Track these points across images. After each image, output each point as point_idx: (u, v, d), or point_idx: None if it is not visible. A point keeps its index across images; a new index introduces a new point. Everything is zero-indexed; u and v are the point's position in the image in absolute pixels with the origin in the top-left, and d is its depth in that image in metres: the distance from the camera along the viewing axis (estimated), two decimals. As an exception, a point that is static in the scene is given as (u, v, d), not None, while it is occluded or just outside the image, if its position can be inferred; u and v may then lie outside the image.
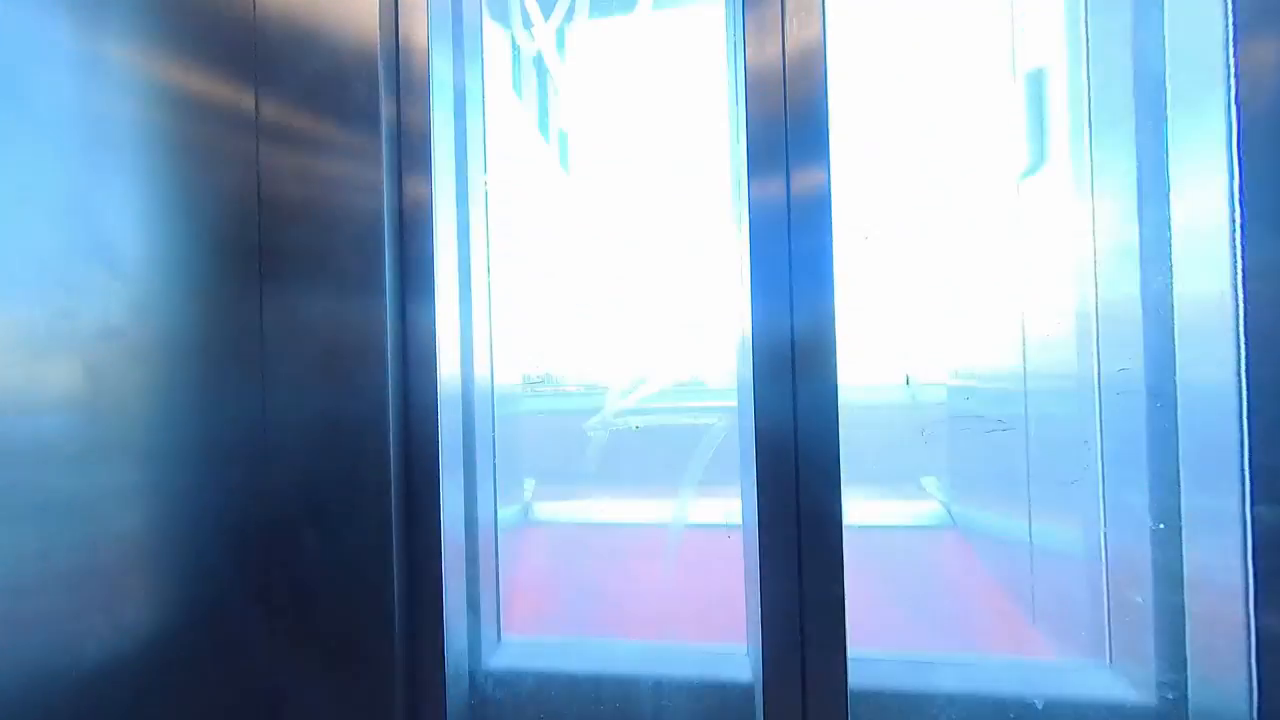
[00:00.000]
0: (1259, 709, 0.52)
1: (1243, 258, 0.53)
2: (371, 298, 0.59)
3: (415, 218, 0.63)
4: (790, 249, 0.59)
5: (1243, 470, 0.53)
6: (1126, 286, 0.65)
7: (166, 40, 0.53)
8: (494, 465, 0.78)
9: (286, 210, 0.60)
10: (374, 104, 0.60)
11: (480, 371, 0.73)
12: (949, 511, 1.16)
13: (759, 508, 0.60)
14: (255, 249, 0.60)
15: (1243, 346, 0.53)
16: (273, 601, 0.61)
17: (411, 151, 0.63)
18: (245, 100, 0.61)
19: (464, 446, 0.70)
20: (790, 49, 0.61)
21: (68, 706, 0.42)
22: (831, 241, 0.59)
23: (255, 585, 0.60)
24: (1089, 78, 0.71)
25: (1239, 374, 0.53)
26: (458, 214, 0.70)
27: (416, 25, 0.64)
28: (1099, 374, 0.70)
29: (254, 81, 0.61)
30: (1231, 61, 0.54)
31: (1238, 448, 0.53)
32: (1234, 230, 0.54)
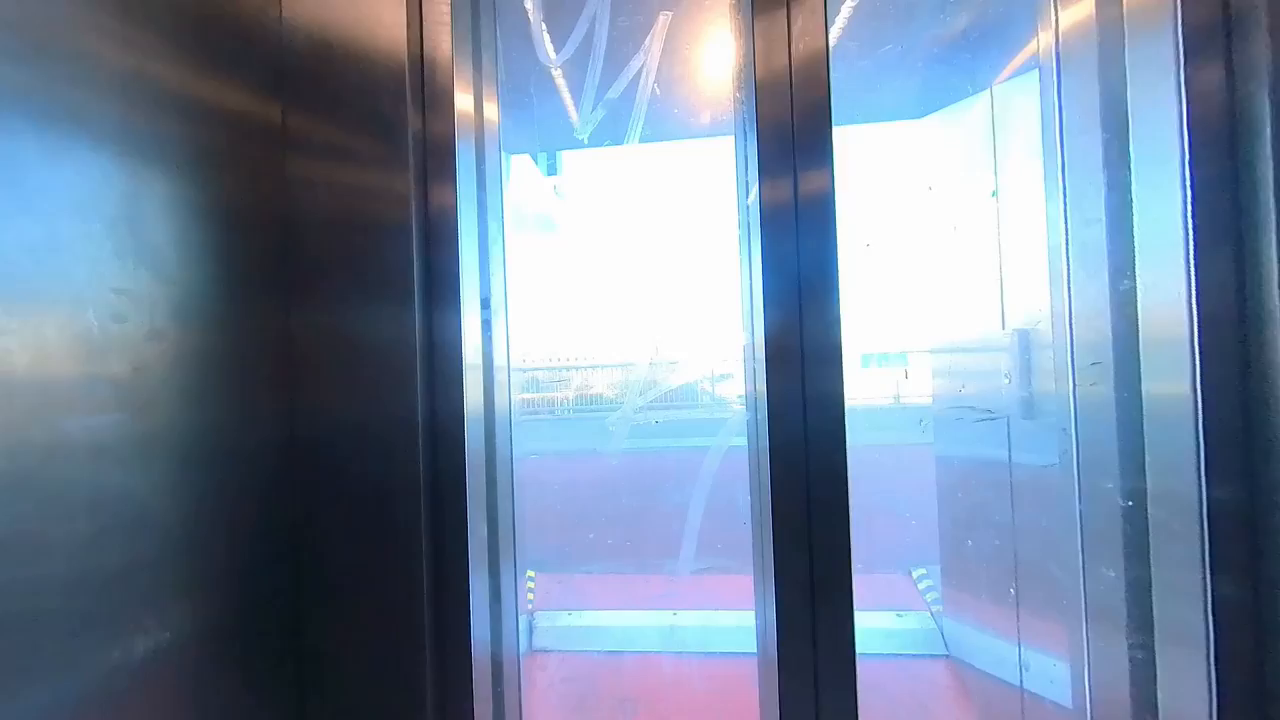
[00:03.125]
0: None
1: (1196, 264, 0.60)
2: (400, 306, 0.62)
3: (441, 227, 0.65)
4: (799, 247, 0.63)
5: (1199, 456, 0.59)
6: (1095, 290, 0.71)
7: (198, 57, 0.55)
8: (512, 471, 0.80)
9: (317, 220, 0.62)
10: (401, 116, 0.62)
11: (499, 378, 0.76)
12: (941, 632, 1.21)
13: (772, 501, 0.64)
14: (287, 256, 0.62)
15: (1196, 344, 0.59)
16: (302, 603, 0.62)
17: (437, 162, 0.65)
18: (272, 114, 0.62)
19: (486, 451, 0.73)
20: (796, 60, 0.66)
21: (119, 700, 0.43)
22: (836, 240, 0.64)
23: (286, 585, 0.61)
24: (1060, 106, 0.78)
25: (1194, 369, 0.60)
26: (478, 222, 0.73)
27: (440, 39, 0.66)
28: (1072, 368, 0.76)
29: (282, 96, 0.62)
30: (1182, 83, 0.60)
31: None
32: (1187, 239, 0.60)
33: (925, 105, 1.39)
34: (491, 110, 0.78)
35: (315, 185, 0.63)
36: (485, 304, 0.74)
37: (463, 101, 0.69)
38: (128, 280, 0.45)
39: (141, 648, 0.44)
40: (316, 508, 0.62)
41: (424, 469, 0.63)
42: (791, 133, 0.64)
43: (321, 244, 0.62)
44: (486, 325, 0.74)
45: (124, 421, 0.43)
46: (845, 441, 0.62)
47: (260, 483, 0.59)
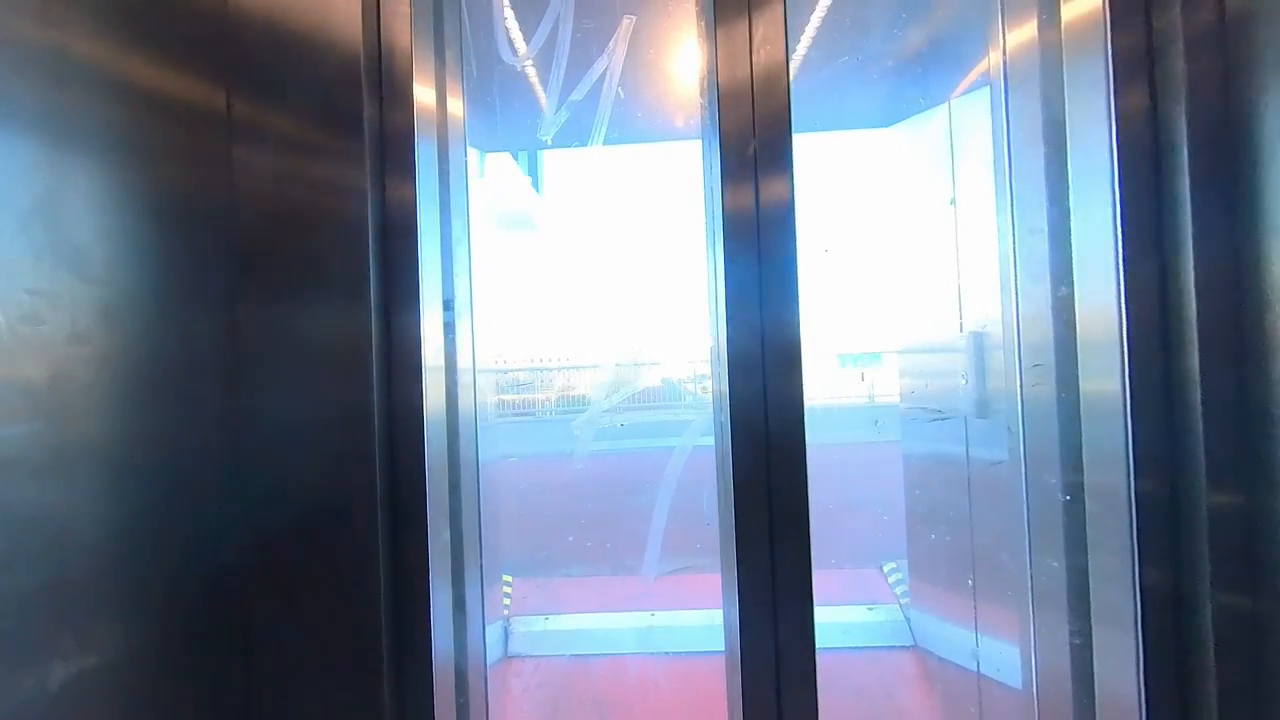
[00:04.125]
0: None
1: (1124, 273, 0.64)
2: (355, 306, 0.59)
3: (399, 224, 0.63)
4: (760, 252, 0.65)
5: (1128, 453, 0.64)
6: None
7: (131, 37, 0.51)
8: (477, 475, 0.79)
9: (265, 214, 0.59)
10: (356, 107, 0.60)
11: (464, 380, 0.74)
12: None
13: (734, 500, 0.65)
14: (232, 253, 0.59)
15: (1125, 348, 0.64)
16: (251, 618, 0.59)
17: (395, 156, 0.63)
18: (217, 101, 0.59)
19: (449, 455, 0.71)
20: (758, 69, 0.67)
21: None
22: (796, 247, 0.65)
23: (233, 598, 0.58)
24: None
25: (1123, 372, 0.64)
26: (441, 220, 0.71)
27: (399, 28, 0.64)
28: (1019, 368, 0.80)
29: (227, 83, 0.59)
30: (1111, 107, 0.64)
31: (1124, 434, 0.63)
32: (1116, 250, 0.65)
33: (891, 115, 1.45)
34: (455, 105, 0.77)
35: (264, 178, 0.60)
36: (448, 305, 0.72)
37: (423, 94, 0.67)
38: (44, 280, 0.42)
39: (61, 674, 0.41)
40: (266, 518, 0.59)
41: (381, 475, 0.61)
42: (753, 141, 0.66)
43: (270, 240, 0.60)
44: (450, 327, 0.72)
45: (40, 432, 0.40)
46: (805, 442, 0.64)
47: (202, 493, 0.56)
